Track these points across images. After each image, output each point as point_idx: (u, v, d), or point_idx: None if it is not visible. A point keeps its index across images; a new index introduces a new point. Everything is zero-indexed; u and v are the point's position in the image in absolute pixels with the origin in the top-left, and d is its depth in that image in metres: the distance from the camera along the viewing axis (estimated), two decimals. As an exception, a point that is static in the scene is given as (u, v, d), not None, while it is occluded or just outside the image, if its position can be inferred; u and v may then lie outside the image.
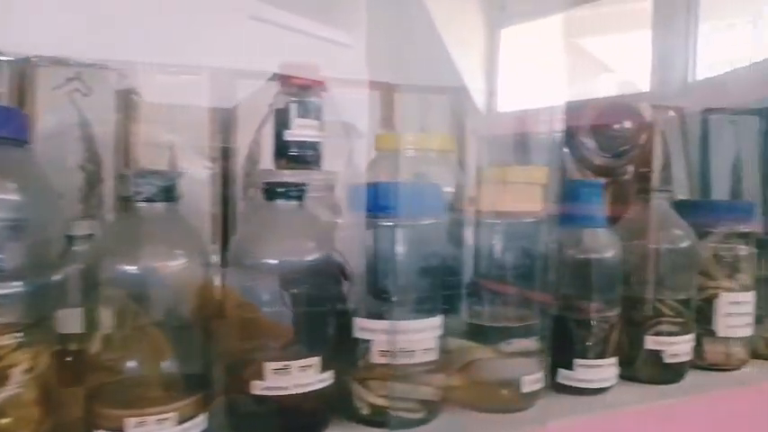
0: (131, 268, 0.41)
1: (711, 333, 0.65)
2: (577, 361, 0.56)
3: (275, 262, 0.45)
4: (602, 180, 0.80)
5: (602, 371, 0.56)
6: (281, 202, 0.47)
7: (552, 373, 0.57)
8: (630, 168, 0.83)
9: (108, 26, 0.71)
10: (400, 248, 0.49)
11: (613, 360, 0.57)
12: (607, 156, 0.82)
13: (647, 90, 1.40)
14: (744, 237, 0.66)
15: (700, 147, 1.19)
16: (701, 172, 1.18)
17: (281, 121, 0.62)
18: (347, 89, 0.96)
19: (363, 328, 0.49)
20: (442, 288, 0.53)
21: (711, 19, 1.38)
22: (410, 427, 0.49)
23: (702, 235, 0.66)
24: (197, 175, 0.76)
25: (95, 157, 0.69)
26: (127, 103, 0.73)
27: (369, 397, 0.49)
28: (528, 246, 0.54)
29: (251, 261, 0.45)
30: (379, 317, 0.49)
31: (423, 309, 0.50)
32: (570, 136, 0.83)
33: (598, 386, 0.57)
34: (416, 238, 0.50)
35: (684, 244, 0.61)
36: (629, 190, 0.75)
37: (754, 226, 0.66)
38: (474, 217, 0.53)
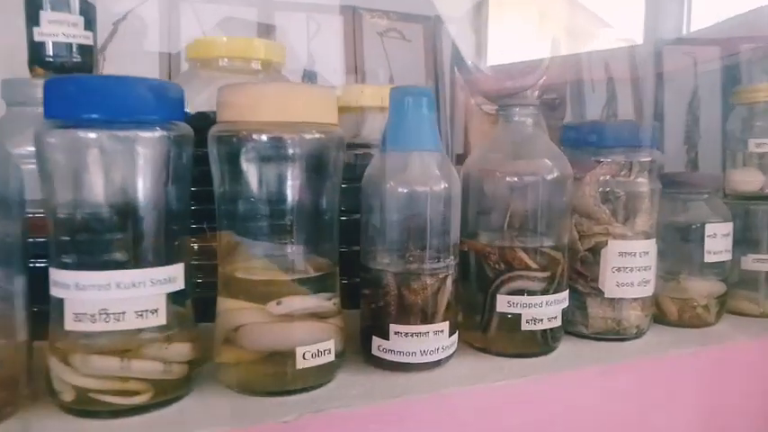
0: None
1: (598, 292, 0.51)
2: (394, 327, 0.42)
3: None
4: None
5: (429, 340, 0.43)
6: None
7: (368, 343, 0.44)
8: (534, 95, 0.68)
9: None
10: (102, 169, 0.35)
11: (444, 326, 0.43)
12: (501, 78, 0.67)
13: (641, 43, 1.25)
14: (643, 169, 0.51)
15: (654, 83, 1.04)
16: (655, 110, 1.02)
17: (31, 15, 0.48)
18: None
19: (56, 282, 0.35)
20: (183, 227, 0.39)
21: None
22: (126, 416, 0.36)
23: (589, 166, 0.51)
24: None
25: None
26: None
27: (70, 377, 0.36)
28: (317, 170, 0.40)
29: None
30: (77, 267, 0.35)
31: (139, 255, 0.36)
32: (461, 56, 0.68)
33: (423, 360, 0.43)
34: (133, 154, 0.36)
35: (552, 175, 0.46)
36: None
37: (655, 155, 0.51)
38: (248, 132, 0.38)
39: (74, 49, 0.48)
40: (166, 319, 0.36)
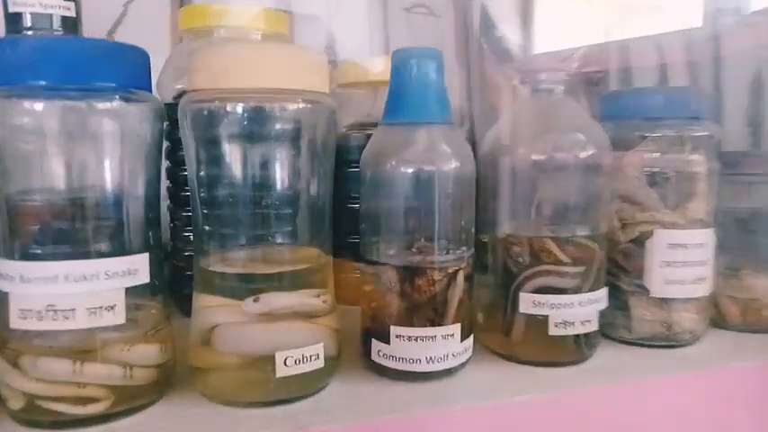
0: None
1: (643, 291, 0.44)
2: (395, 329, 0.37)
3: None
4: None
5: (436, 345, 0.36)
6: None
7: (368, 346, 0.38)
8: (574, 66, 0.60)
9: None
10: (51, 145, 0.31)
11: (455, 328, 0.37)
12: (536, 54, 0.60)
13: (699, 26, 1.16)
14: (698, 144, 0.43)
15: (712, 61, 0.94)
16: (712, 90, 0.92)
17: (4, -16, 0.44)
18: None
19: (1, 274, 0.31)
20: (150, 213, 0.34)
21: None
22: (82, 426, 0.31)
23: (633, 142, 0.43)
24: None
25: None
26: None
27: (18, 382, 0.31)
28: (303, 146, 0.34)
29: None
30: (23, 257, 0.31)
31: (95, 244, 0.31)
32: (490, 25, 0.61)
33: (429, 368, 0.37)
34: (86, 127, 0.31)
35: (587, 152, 0.39)
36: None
37: (712, 129, 0.43)
38: (221, 101, 0.33)
39: (54, 21, 0.44)
40: (126, 317, 0.31)
